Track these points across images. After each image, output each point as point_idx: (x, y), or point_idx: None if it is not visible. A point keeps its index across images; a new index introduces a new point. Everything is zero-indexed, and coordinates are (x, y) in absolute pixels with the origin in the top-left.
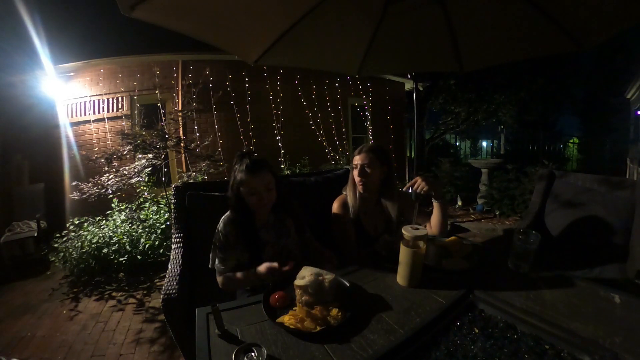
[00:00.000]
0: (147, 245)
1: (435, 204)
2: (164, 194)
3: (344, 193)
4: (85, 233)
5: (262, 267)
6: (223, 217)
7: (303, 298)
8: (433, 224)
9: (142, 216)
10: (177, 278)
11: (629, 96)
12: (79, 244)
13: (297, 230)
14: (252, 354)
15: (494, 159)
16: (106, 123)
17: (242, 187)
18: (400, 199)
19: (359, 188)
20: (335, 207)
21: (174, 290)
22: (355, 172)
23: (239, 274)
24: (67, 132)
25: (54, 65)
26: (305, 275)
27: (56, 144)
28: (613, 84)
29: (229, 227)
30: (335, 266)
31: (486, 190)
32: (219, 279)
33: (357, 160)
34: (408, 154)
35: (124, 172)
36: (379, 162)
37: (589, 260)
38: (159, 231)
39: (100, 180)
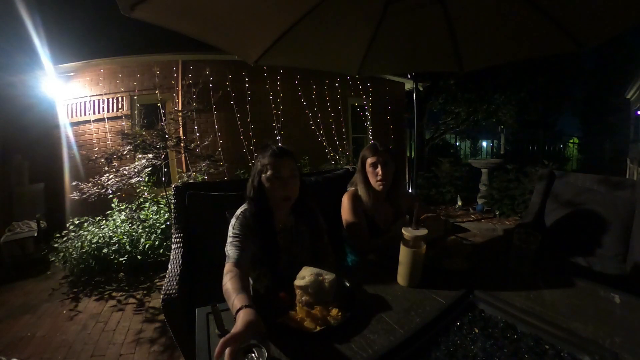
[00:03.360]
0: (147, 245)
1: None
2: (164, 194)
3: (352, 189)
4: (85, 233)
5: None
6: (240, 208)
7: (303, 298)
8: None
9: (142, 216)
10: (177, 278)
11: (629, 96)
12: (79, 244)
13: (311, 239)
14: (252, 354)
15: (494, 159)
16: (106, 123)
17: (264, 173)
18: (406, 195)
19: (380, 186)
20: (348, 201)
21: (174, 290)
22: (378, 170)
23: (229, 287)
24: (67, 132)
25: (54, 65)
26: (305, 275)
27: (56, 144)
28: (613, 84)
29: (249, 219)
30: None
31: (486, 190)
32: (226, 268)
33: (375, 159)
34: (408, 154)
35: (124, 172)
36: (392, 160)
37: (589, 260)
38: (159, 231)
39: (100, 180)
